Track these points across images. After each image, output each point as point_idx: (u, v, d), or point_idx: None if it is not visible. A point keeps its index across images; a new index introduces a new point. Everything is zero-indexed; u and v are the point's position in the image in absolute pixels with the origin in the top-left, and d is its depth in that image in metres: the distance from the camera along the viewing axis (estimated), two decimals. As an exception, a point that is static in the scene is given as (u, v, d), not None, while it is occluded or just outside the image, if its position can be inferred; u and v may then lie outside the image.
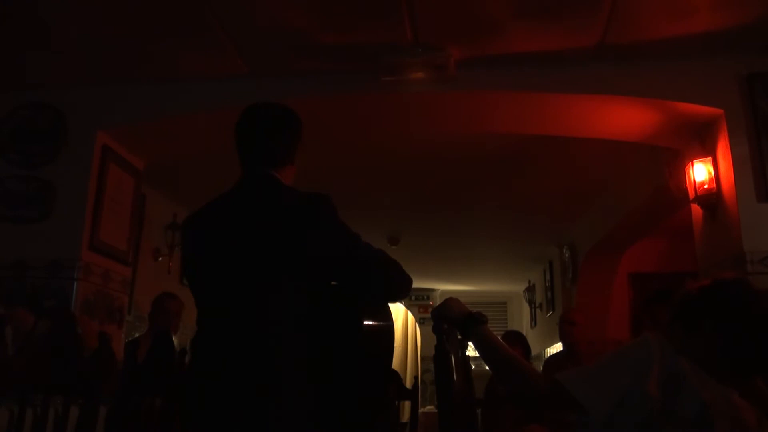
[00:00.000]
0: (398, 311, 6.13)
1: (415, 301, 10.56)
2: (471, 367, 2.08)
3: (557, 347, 6.82)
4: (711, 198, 3.55)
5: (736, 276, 1.56)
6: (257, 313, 1.66)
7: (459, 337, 1.78)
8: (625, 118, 3.81)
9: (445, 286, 10.76)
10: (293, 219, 1.70)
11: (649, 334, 1.49)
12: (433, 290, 10.84)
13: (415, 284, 10.94)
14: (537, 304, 9.40)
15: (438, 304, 1.81)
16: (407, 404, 3.80)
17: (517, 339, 4.50)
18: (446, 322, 1.74)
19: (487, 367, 1.67)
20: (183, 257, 1.94)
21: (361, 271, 1.75)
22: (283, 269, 1.67)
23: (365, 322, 1.75)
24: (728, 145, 3.42)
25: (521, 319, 10.86)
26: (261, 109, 1.93)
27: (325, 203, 1.74)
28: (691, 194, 3.65)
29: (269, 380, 1.60)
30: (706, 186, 3.55)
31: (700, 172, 3.59)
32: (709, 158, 3.58)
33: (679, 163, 3.96)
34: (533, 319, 9.76)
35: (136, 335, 4.68)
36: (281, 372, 1.61)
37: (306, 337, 1.65)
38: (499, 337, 4.81)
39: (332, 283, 1.77)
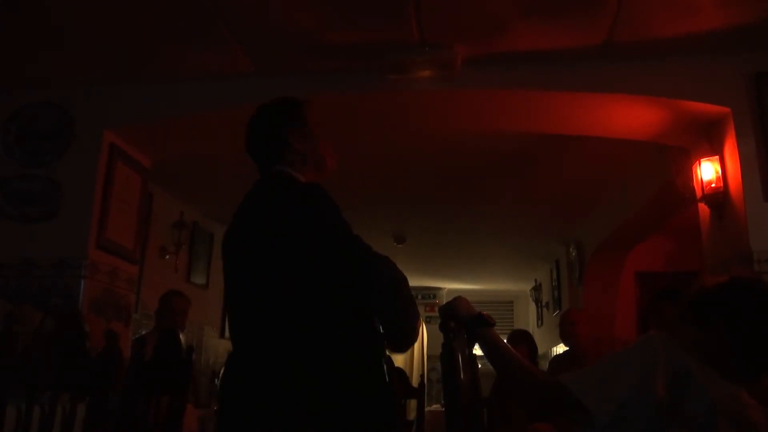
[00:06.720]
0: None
1: (422, 300, 10.55)
2: (478, 365, 2.07)
3: (563, 346, 6.80)
4: (718, 197, 3.53)
5: (754, 276, 1.56)
6: (277, 321, 1.67)
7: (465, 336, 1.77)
8: (631, 117, 3.80)
9: (451, 285, 10.75)
10: (287, 216, 1.72)
11: (653, 333, 1.49)
12: (439, 289, 10.84)
13: (422, 283, 10.96)
14: (543, 303, 9.38)
15: (446, 302, 1.81)
16: (413, 402, 3.80)
17: (523, 338, 4.49)
18: (454, 320, 1.73)
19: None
20: None
21: (351, 257, 1.72)
22: (292, 266, 1.68)
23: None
24: (735, 144, 3.41)
25: (528, 318, 10.83)
26: (257, 111, 1.98)
27: (315, 192, 1.76)
28: (698, 193, 3.64)
29: (303, 377, 1.62)
30: (713, 185, 3.54)
31: (707, 170, 3.58)
32: (717, 157, 3.57)
33: (686, 161, 3.95)
34: (540, 318, 9.74)
35: (143, 333, 4.69)
36: (313, 370, 1.63)
37: (328, 335, 1.66)
38: (506, 336, 4.77)
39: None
